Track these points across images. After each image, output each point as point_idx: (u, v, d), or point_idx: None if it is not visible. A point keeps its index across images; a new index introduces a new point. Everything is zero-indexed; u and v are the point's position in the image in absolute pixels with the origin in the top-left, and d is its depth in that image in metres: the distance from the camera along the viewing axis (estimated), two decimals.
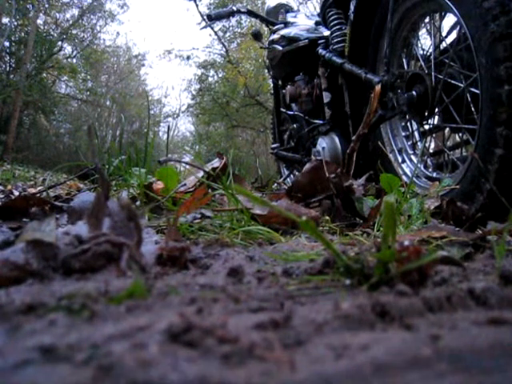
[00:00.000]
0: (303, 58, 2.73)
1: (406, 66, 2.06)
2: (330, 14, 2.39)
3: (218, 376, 0.27)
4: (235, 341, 0.32)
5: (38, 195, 1.32)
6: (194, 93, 19.83)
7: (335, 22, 2.37)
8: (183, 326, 0.33)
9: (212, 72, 19.44)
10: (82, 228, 0.62)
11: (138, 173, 1.30)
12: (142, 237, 0.60)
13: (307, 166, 1.31)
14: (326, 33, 2.55)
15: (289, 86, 2.89)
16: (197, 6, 16.88)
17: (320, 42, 2.56)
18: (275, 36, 2.95)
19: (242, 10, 3.22)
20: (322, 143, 2.53)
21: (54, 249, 0.55)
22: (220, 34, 17.95)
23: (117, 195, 1.27)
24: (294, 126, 2.92)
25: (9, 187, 3.04)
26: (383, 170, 1.68)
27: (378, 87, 1.41)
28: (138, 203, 1.19)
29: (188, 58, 19.08)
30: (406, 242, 0.48)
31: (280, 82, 3.15)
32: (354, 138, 1.39)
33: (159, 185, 1.30)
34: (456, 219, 1.25)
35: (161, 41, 54.08)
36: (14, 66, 17.98)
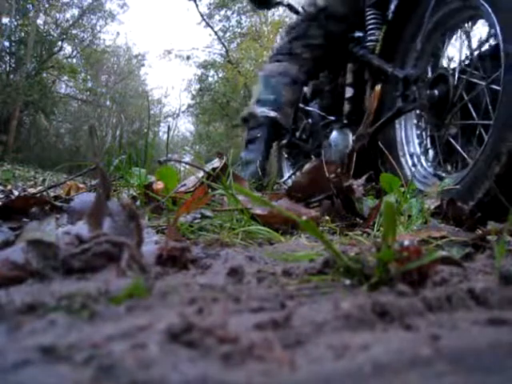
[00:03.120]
0: (332, 55, 2.79)
1: (434, 66, 2.11)
2: (369, 13, 2.45)
3: (217, 376, 0.27)
4: (235, 341, 0.32)
5: (38, 195, 1.32)
6: (193, 93, 19.85)
7: (373, 21, 2.43)
8: (183, 326, 0.33)
9: (212, 72, 19.46)
10: (82, 228, 0.62)
11: (137, 173, 1.30)
12: (142, 237, 0.60)
13: (307, 166, 1.31)
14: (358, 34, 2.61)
15: (313, 81, 2.96)
16: (197, 5, 16.90)
17: (352, 39, 2.61)
18: None
19: (285, 2, 3.26)
20: (335, 137, 2.59)
21: (54, 248, 0.55)
22: (220, 33, 17.96)
23: (117, 195, 1.27)
24: (309, 120, 2.98)
25: (9, 187, 3.04)
26: (391, 170, 1.70)
27: (377, 87, 1.41)
28: (137, 203, 1.19)
29: (188, 58, 19.09)
30: (406, 242, 0.48)
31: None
32: (354, 138, 1.39)
33: (159, 185, 1.30)
34: (456, 219, 1.25)
35: (161, 41, 54.13)
36: (13, 65, 17.98)
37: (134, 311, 0.40)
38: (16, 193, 2.32)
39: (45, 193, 1.41)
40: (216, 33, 17.75)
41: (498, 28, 1.61)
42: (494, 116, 1.61)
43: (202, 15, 17.32)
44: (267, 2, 3.15)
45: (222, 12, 18.07)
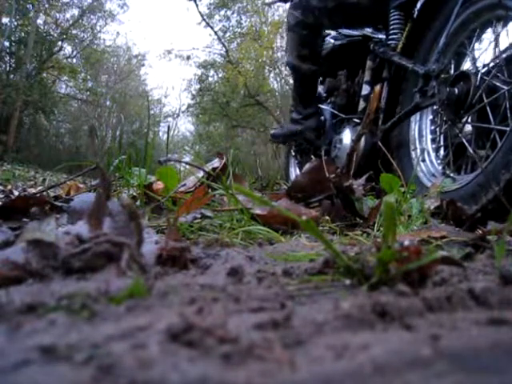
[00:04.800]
0: (351, 53, 2.83)
1: (457, 64, 2.11)
2: (393, 14, 2.48)
3: (218, 376, 0.27)
4: (235, 341, 0.32)
5: (38, 195, 1.32)
6: (193, 93, 19.84)
7: (396, 21, 2.47)
8: (183, 325, 0.33)
9: (212, 72, 19.45)
10: (82, 228, 0.62)
11: (138, 173, 1.30)
12: (142, 237, 0.60)
13: (307, 166, 1.31)
14: (380, 35, 2.66)
15: (329, 79, 3.02)
16: (197, 5, 16.89)
17: (373, 38, 2.64)
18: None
19: None
20: (347, 133, 2.61)
21: (54, 248, 0.55)
22: (220, 33, 17.96)
23: (117, 195, 1.27)
24: (321, 118, 3.01)
25: (9, 187, 3.04)
26: (401, 165, 1.70)
27: (377, 87, 1.41)
28: (138, 203, 1.19)
29: (188, 58, 19.08)
30: (406, 242, 0.48)
31: (321, 77, 3.22)
32: (353, 138, 1.39)
33: (159, 185, 1.30)
34: (456, 219, 1.25)
35: (161, 41, 54.12)
36: (14, 65, 17.98)
37: (134, 311, 0.40)
38: (16, 193, 2.32)
39: (45, 193, 1.41)
40: (216, 33, 17.74)
41: None
42: (511, 123, 1.60)
43: (201, 15, 17.32)
44: None
45: (222, 12, 18.09)
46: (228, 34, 18.41)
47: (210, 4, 17.69)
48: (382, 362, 0.29)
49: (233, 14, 18.19)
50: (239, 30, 18.21)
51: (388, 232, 0.48)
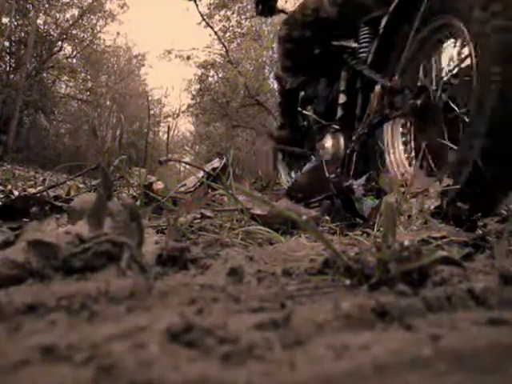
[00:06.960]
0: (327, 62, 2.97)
1: (419, 80, 2.24)
2: (363, 29, 2.66)
3: (217, 376, 0.27)
4: (235, 341, 0.32)
5: (38, 195, 1.32)
6: (194, 93, 19.83)
7: (366, 35, 2.62)
8: (183, 325, 0.33)
9: (212, 72, 19.45)
10: (82, 228, 0.62)
11: (138, 173, 1.30)
12: (143, 237, 0.60)
13: (307, 167, 1.31)
14: (353, 44, 2.79)
15: (309, 86, 3.15)
16: (197, 6, 16.88)
17: (347, 49, 2.78)
18: None
19: (286, 11, 3.46)
20: (329, 139, 2.75)
21: (54, 248, 0.55)
22: (220, 34, 17.96)
23: (117, 195, 1.27)
24: (305, 123, 3.14)
25: (9, 187, 3.03)
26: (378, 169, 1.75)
27: (377, 88, 1.41)
28: (138, 203, 1.19)
29: (188, 58, 19.07)
30: (406, 242, 0.48)
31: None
32: (354, 137, 1.39)
33: (159, 185, 1.30)
34: (456, 219, 1.25)
35: (161, 41, 54.12)
36: (14, 66, 17.98)
37: (134, 311, 0.40)
38: (16, 193, 2.32)
39: (45, 193, 1.41)
40: (216, 33, 17.73)
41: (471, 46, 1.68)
42: (461, 136, 1.67)
43: (202, 15, 17.31)
44: (271, 10, 3.38)
45: (222, 12, 18.08)
46: (228, 34, 18.41)
47: (210, 4, 17.69)
48: (382, 362, 0.29)
49: (233, 14, 18.19)
50: (239, 30, 18.21)
51: (388, 232, 0.48)
